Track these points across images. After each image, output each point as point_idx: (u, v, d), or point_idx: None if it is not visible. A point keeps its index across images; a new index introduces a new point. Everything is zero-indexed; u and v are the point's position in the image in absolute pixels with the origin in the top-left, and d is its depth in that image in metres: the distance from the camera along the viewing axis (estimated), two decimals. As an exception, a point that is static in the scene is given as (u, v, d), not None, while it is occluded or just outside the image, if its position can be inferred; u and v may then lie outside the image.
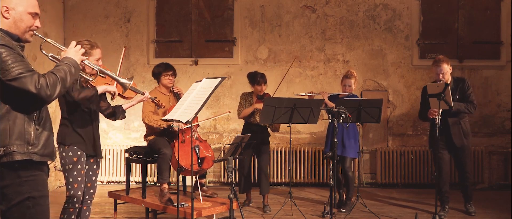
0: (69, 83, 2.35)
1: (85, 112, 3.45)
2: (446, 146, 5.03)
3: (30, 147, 2.25)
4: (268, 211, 5.23)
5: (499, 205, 5.69)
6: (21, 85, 2.16)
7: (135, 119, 7.03)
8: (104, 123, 6.76)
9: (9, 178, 2.22)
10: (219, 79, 3.78)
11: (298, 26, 7.11)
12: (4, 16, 2.30)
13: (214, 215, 4.33)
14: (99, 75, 3.01)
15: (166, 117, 3.95)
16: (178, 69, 5.05)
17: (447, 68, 4.95)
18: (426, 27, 7.06)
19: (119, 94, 3.60)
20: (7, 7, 2.30)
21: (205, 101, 3.68)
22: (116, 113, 3.78)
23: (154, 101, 4.18)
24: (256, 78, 5.26)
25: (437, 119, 4.63)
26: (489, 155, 6.96)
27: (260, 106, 5.13)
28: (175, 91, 4.95)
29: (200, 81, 4.00)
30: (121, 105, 3.83)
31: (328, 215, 4.74)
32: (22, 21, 2.34)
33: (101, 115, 3.72)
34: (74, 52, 2.49)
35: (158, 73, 4.87)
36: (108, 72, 3.00)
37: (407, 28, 7.09)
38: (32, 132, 2.27)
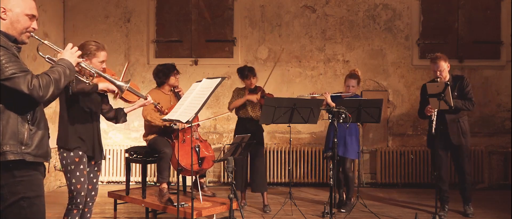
0: (63, 84, 2.36)
1: (86, 113, 3.43)
2: (444, 146, 5.00)
3: (23, 147, 2.25)
4: (268, 211, 5.22)
5: (499, 205, 5.69)
6: (13, 85, 2.17)
7: (135, 119, 7.03)
8: (104, 123, 6.75)
9: (4, 178, 2.23)
10: (219, 79, 3.78)
11: (298, 26, 7.11)
12: (1, 17, 2.31)
13: (214, 215, 4.33)
14: (96, 77, 2.99)
15: (166, 117, 3.95)
16: (178, 69, 5.04)
17: (444, 65, 4.93)
18: (426, 27, 7.06)
19: (121, 98, 3.58)
20: (4, 8, 2.32)
21: (205, 101, 3.68)
22: (117, 116, 3.75)
23: (157, 107, 4.18)
24: (244, 72, 5.25)
25: (433, 115, 4.65)
26: (489, 155, 6.96)
27: (252, 97, 5.15)
28: (176, 90, 4.95)
29: (200, 81, 4.00)
30: (123, 108, 3.81)
31: (328, 215, 4.74)
32: (19, 23, 2.35)
33: (101, 117, 3.70)
34: (69, 54, 2.50)
35: (165, 75, 4.85)
36: (105, 74, 2.98)
37: (407, 28, 7.09)
38: (26, 132, 2.27)
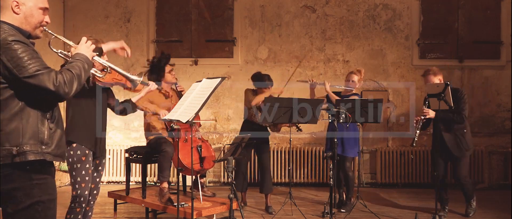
0: (84, 79, 2.31)
1: (92, 109, 3.43)
2: (442, 154, 4.94)
3: (43, 147, 2.18)
4: (272, 212, 5.16)
5: (499, 205, 5.70)
6: (38, 83, 2.09)
7: (135, 119, 7.03)
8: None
9: (20, 180, 2.14)
10: (219, 79, 3.78)
11: (298, 26, 7.11)
12: (14, 12, 2.24)
13: (214, 215, 4.33)
14: (109, 71, 2.97)
15: (166, 117, 3.95)
16: (178, 69, 5.06)
17: (434, 79, 4.91)
18: (426, 27, 7.06)
19: (126, 88, 3.61)
20: (17, 2, 2.24)
21: (205, 101, 3.69)
22: (126, 109, 3.79)
23: (161, 91, 4.23)
24: (264, 80, 5.19)
25: (419, 123, 4.78)
26: (489, 155, 6.96)
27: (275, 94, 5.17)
28: (178, 90, 4.94)
29: (200, 81, 4.00)
30: (130, 99, 3.85)
31: (328, 215, 4.74)
32: (33, 17, 2.28)
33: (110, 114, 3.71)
34: (85, 48, 2.45)
35: (161, 65, 4.76)
36: (118, 68, 2.96)
37: (407, 28, 7.09)
38: (46, 131, 2.20)
